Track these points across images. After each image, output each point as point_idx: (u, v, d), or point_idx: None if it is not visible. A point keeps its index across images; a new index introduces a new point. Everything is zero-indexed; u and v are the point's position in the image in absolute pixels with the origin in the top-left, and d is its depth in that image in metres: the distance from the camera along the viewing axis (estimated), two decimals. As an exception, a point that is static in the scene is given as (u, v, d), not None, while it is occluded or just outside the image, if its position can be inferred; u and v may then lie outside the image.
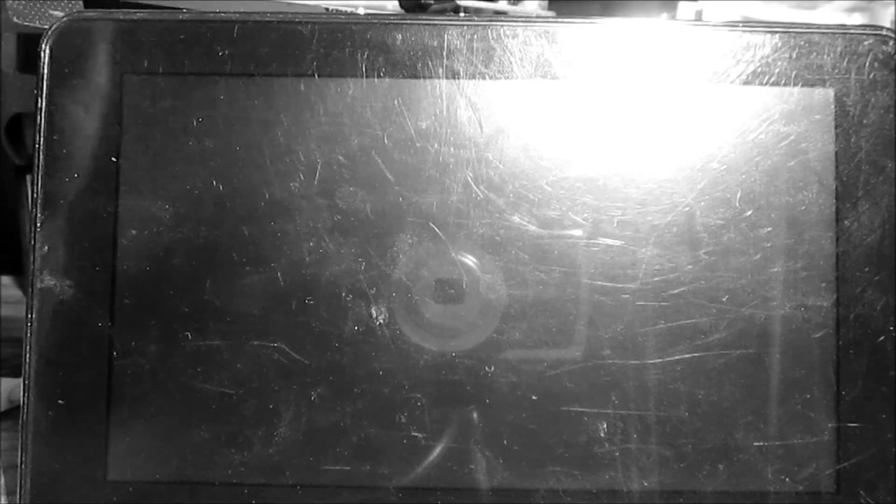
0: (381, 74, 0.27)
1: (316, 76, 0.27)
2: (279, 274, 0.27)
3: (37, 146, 0.27)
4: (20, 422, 0.27)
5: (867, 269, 0.27)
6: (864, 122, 0.27)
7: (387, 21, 0.27)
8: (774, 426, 0.27)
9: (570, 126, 0.27)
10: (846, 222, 0.27)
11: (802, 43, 0.27)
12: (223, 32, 0.27)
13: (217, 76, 0.27)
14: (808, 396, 0.27)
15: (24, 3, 0.37)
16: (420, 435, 0.27)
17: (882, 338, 0.27)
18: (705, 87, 0.27)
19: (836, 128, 0.27)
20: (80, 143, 0.27)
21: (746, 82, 0.27)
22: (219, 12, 0.27)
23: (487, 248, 0.27)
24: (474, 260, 0.27)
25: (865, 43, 0.27)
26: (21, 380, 0.27)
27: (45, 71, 0.27)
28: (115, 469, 0.27)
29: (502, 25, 0.27)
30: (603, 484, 0.27)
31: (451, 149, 0.27)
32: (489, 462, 0.27)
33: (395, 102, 0.27)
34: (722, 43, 0.27)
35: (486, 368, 0.27)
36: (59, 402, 0.27)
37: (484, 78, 0.27)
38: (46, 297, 0.27)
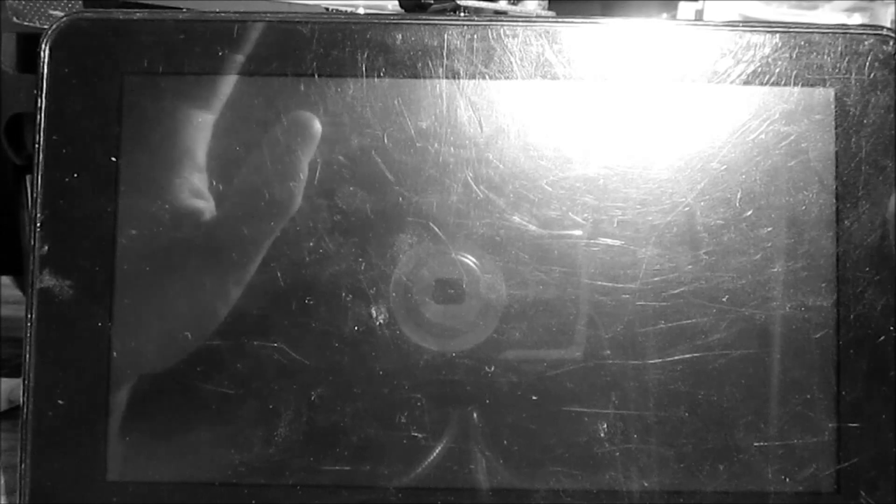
0: (381, 74, 0.27)
1: (316, 76, 0.27)
2: (279, 274, 0.27)
3: (37, 146, 0.27)
4: (20, 422, 0.27)
5: (867, 269, 0.27)
6: (865, 122, 0.27)
7: (387, 21, 0.27)
8: (774, 426, 0.27)
9: (570, 126, 0.27)
10: (846, 222, 0.27)
11: (802, 43, 0.27)
12: (223, 32, 0.27)
13: (217, 76, 0.27)
14: (808, 396, 0.27)
15: (24, 3, 0.37)
16: (420, 435, 0.27)
17: (882, 338, 0.27)
18: (705, 87, 0.27)
19: (836, 128, 0.27)
20: (80, 143, 0.27)
21: (746, 82, 0.27)
22: (219, 12, 0.27)
23: (487, 248, 0.27)
24: (474, 260, 0.27)
25: (865, 43, 0.27)
26: (21, 380, 0.27)
27: (45, 71, 0.27)
28: (115, 469, 0.27)
29: (502, 25, 0.27)
30: (603, 484, 0.27)
31: (451, 149, 0.27)
32: (489, 462, 0.27)
33: (395, 102, 0.27)
34: (722, 43, 0.27)
35: (486, 368, 0.27)
36: (59, 402, 0.27)
37: (484, 78, 0.27)
38: (46, 297, 0.27)
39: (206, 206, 0.27)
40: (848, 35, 0.27)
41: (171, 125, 0.27)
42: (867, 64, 0.27)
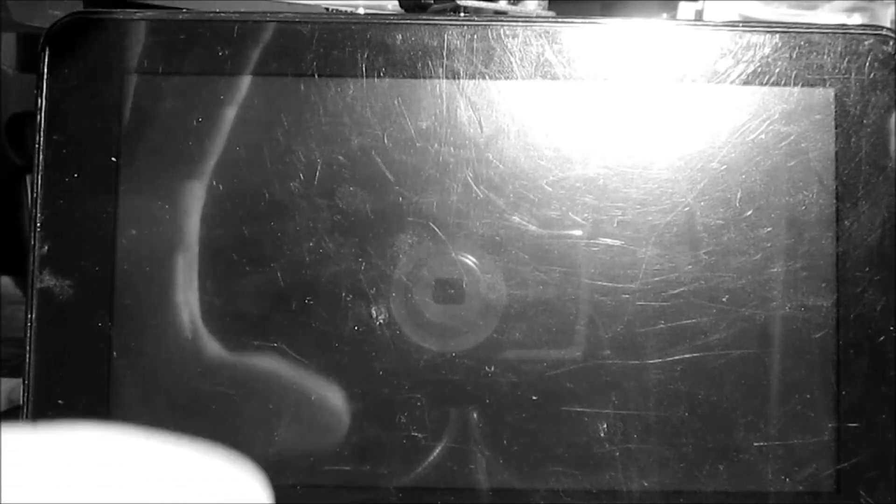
0: (381, 74, 0.27)
1: (316, 76, 0.27)
2: (279, 274, 0.27)
3: (37, 146, 0.27)
4: (20, 422, 0.27)
5: (867, 269, 0.27)
6: (864, 122, 0.27)
7: (387, 21, 0.27)
8: (774, 426, 0.27)
9: (570, 126, 0.27)
10: (846, 222, 0.27)
11: (802, 43, 0.27)
12: (223, 32, 0.27)
13: (217, 76, 0.27)
14: (808, 396, 0.27)
15: (24, 3, 0.37)
16: (420, 435, 0.27)
17: (882, 338, 0.27)
18: (705, 87, 0.27)
19: (836, 128, 0.27)
20: (80, 143, 0.27)
21: (746, 82, 0.27)
22: (219, 12, 0.27)
23: (487, 248, 0.27)
24: (474, 260, 0.27)
25: (865, 43, 0.27)
26: (21, 380, 0.27)
27: (45, 71, 0.27)
28: (115, 469, 0.27)
29: (502, 25, 0.27)
30: (603, 484, 0.27)
31: (451, 149, 0.27)
32: (489, 462, 0.27)
33: (395, 102, 0.27)
34: (722, 43, 0.27)
35: (486, 368, 0.27)
36: (59, 402, 0.27)
37: (484, 78, 0.27)
38: (46, 297, 0.27)
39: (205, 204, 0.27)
40: (848, 35, 0.27)
41: (171, 125, 0.27)
42: (867, 64, 0.27)
